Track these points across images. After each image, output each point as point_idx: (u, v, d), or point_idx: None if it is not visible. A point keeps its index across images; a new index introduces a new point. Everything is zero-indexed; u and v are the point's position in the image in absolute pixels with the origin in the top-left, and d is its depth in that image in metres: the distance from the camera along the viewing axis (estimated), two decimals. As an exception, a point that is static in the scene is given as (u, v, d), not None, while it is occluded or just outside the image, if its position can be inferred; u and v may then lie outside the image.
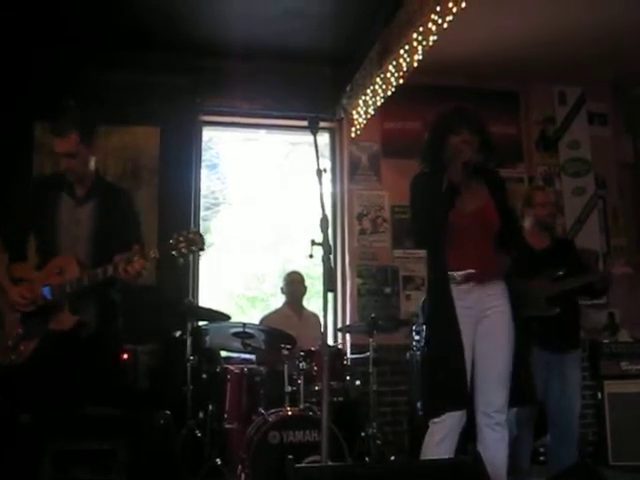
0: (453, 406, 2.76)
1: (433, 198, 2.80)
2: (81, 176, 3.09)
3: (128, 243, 2.97)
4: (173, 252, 2.82)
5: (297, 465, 2.21)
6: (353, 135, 5.75)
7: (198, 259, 5.69)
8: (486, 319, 2.86)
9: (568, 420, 3.83)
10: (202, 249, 2.89)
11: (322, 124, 5.71)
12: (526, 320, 3.71)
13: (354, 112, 5.60)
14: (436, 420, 2.77)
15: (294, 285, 5.05)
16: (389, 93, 5.03)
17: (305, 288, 5.10)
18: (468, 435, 2.82)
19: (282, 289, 5.12)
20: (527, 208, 4.07)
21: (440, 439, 2.76)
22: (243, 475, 3.56)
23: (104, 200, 3.13)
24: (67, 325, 2.95)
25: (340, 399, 4.16)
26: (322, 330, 2.54)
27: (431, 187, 2.84)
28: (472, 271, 2.84)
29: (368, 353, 4.51)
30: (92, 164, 3.14)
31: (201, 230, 5.80)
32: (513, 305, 2.89)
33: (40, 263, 3.06)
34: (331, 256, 2.41)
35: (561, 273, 3.75)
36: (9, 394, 2.92)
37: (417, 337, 4.95)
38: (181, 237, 2.81)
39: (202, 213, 5.99)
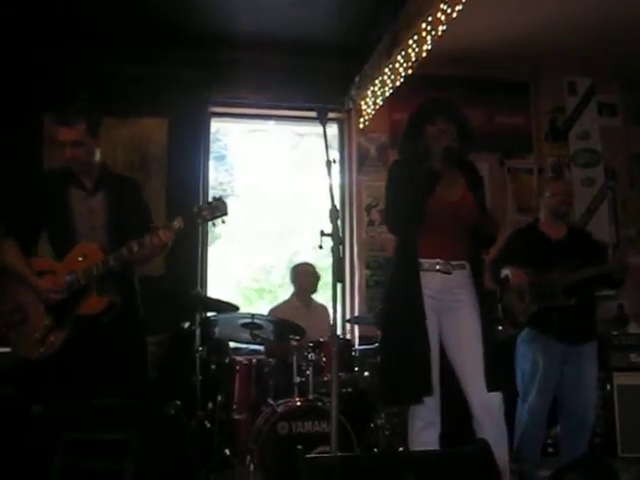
0: (416, 396, 2.76)
1: (408, 185, 2.81)
2: (86, 166, 3.10)
3: (144, 229, 2.99)
4: (198, 220, 2.86)
5: (306, 456, 2.22)
6: (361, 126, 5.73)
7: (206, 251, 5.71)
8: (450, 314, 2.86)
9: (584, 413, 3.80)
10: (226, 214, 2.91)
11: (330, 115, 5.69)
12: (542, 311, 3.74)
13: (363, 103, 5.59)
14: (409, 414, 2.81)
15: (303, 277, 5.04)
16: (398, 84, 5.01)
17: (317, 280, 5.06)
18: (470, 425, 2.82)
19: (291, 279, 5.12)
20: (541, 198, 4.11)
21: (422, 426, 2.79)
22: (252, 465, 3.56)
23: (113, 190, 3.14)
24: (97, 307, 2.96)
25: (349, 390, 4.16)
26: (331, 321, 2.54)
27: (407, 174, 2.86)
28: (440, 260, 2.84)
29: (376, 344, 4.51)
30: (97, 156, 3.14)
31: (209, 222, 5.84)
32: (480, 297, 2.88)
33: (57, 255, 3.06)
34: (340, 247, 2.41)
35: (577, 263, 3.73)
36: (25, 386, 2.94)
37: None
38: (204, 205, 2.87)
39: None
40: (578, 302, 3.73)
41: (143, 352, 3.22)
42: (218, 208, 2.88)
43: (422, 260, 2.85)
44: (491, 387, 2.73)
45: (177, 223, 2.90)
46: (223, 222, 2.91)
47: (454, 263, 2.87)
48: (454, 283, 2.87)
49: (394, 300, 2.91)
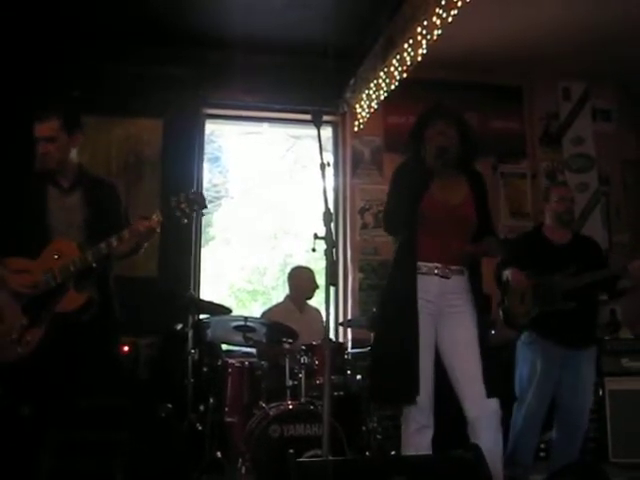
0: (403, 400, 2.77)
1: (405, 186, 2.83)
2: (60, 164, 3.06)
3: (122, 226, 2.96)
4: (177, 213, 2.86)
5: (298, 459, 2.21)
6: (356, 129, 5.73)
7: (199, 252, 5.70)
8: (446, 319, 2.85)
9: (577, 417, 3.81)
10: (204, 207, 2.92)
11: (325, 118, 5.66)
12: (543, 315, 3.75)
13: (357, 106, 5.59)
14: (402, 415, 2.81)
15: (301, 281, 5.02)
16: (393, 87, 5.01)
17: (314, 286, 4.98)
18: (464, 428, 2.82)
19: (288, 281, 5.11)
20: (545, 204, 4.10)
21: (415, 429, 2.79)
22: (244, 468, 3.55)
23: (90, 190, 3.11)
24: (75, 305, 2.92)
25: (341, 393, 4.15)
26: (324, 324, 2.53)
27: (406, 176, 2.88)
28: (439, 265, 2.84)
29: (369, 348, 4.51)
30: (74, 155, 3.12)
31: (203, 224, 5.84)
32: (478, 303, 2.88)
33: (30, 255, 3.00)
34: (333, 250, 2.40)
35: (578, 268, 3.74)
36: (13, 385, 2.91)
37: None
38: (182, 198, 2.86)
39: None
40: (579, 307, 3.73)
41: (119, 351, 3.19)
42: (196, 201, 2.88)
43: (421, 263, 2.85)
44: (490, 393, 2.74)
45: (155, 216, 2.89)
46: (202, 215, 2.91)
47: (453, 268, 2.87)
48: (452, 288, 2.87)
49: (389, 302, 2.92)
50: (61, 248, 2.96)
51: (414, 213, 2.80)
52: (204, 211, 2.95)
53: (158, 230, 2.96)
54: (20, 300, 2.96)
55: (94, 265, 2.93)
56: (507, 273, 3.84)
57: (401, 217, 2.85)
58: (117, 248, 2.93)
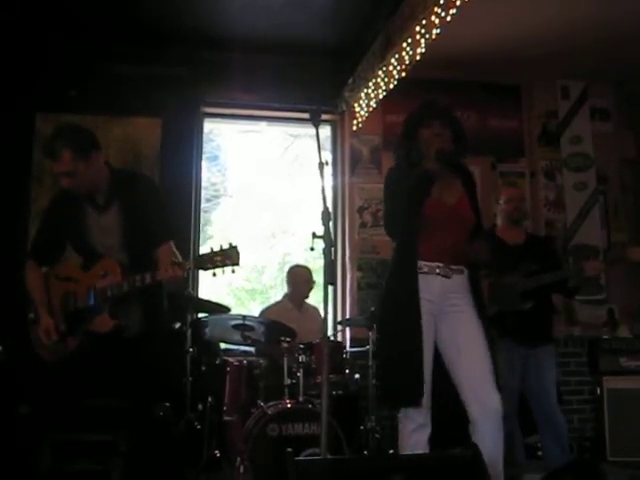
0: (409, 403, 2.78)
1: (406, 189, 2.80)
2: (90, 189, 3.04)
3: (159, 239, 3.00)
4: (208, 265, 2.79)
5: (296, 458, 2.22)
6: (354, 128, 5.73)
7: (198, 251, 5.69)
8: (448, 318, 2.85)
9: (550, 416, 3.93)
10: (237, 264, 2.80)
11: (324, 117, 5.69)
12: (500, 314, 3.81)
13: (356, 105, 5.58)
14: (400, 414, 2.83)
15: (297, 282, 5.03)
16: (391, 86, 5.00)
17: (311, 286, 5.04)
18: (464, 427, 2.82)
19: (286, 280, 5.11)
20: (496, 204, 4.31)
21: (413, 429, 2.80)
22: (242, 467, 3.56)
23: (126, 199, 3.06)
24: (105, 328, 2.95)
25: (339, 392, 4.17)
26: (322, 323, 2.53)
27: (404, 179, 2.85)
28: (440, 264, 2.84)
29: (367, 346, 4.52)
30: (99, 166, 3.05)
31: (201, 222, 5.82)
32: (479, 301, 2.88)
33: (83, 264, 3.07)
34: (332, 249, 2.40)
35: (534, 268, 3.86)
36: (25, 384, 2.95)
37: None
38: (218, 251, 2.79)
39: (202, 205, 5.97)
40: (535, 306, 3.86)
41: (164, 365, 3.22)
42: (231, 257, 2.78)
43: (422, 263, 2.84)
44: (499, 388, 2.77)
45: (188, 264, 2.86)
46: (233, 272, 2.84)
47: (454, 267, 2.87)
48: (453, 287, 2.87)
49: (391, 303, 2.90)
50: (108, 267, 2.98)
51: (417, 217, 2.79)
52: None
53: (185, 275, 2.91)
54: (66, 307, 3.05)
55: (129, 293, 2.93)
56: None
57: (403, 221, 2.83)
58: (151, 284, 2.90)
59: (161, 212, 3.12)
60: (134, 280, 2.88)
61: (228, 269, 2.80)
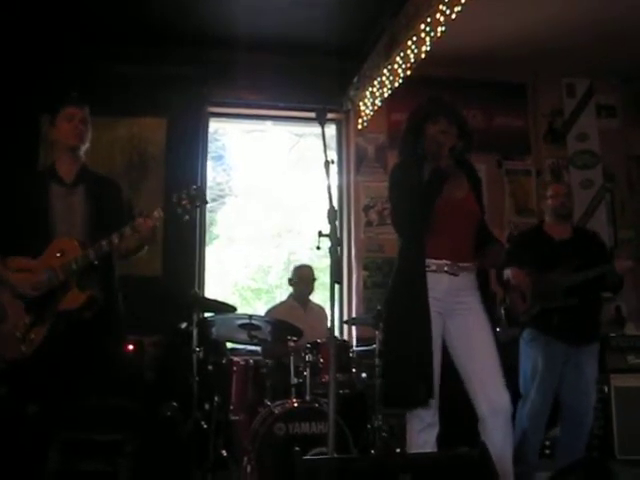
0: (418, 404, 2.75)
1: (414, 187, 2.78)
2: (76, 151, 3.12)
3: (125, 224, 2.95)
4: (178, 210, 2.90)
5: (303, 457, 2.21)
6: (360, 127, 5.73)
7: (204, 251, 5.70)
8: (456, 317, 2.83)
9: (581, 415, 3.81)
10: (205, 202, 3.04)
11: (329, 116, 5.69)
12: (545, 312, 3.75)
13: (361, 104, 5.58)
14: (408, 415, 2.80)
15: (302, 281, 5.03)
16: (396, 85, 5.00)
17: (313, 284, 5.04)
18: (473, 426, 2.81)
19: (290, 280, 5.11)
20: (543, 201, 4.21)
21: (421, 428, 2.77)
22: (249, 467, 3.56)
23: (93, 187, 3.13)
24: (77, 303, 2.92)
25: (346, 391, 4.15)
26: (328, 322, 2.53)
27: (411, 176, 2.83)
28: (448, 262, 2.81)
29: (374, 345, 4.51)
30: (82, 151, 3.17)
31: (207, 222, 5.83)
32: (486, 299, 2.87)
33: (34, 254, 3.00)
34: (338, 248, 2.40)
35: (578, 263, 3.75)
36: (17, 385, 2.92)
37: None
38: (183, 195, 2.91)
39: (208, 204, 5.98)
40: (581, 303, 3.73)
41: (122, 350, 3.21)
42: (197, 197, 2.93)
43: (429, 261, 2.81)
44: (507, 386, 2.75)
45: (157, 213, 2.91)
46: (199, 208, 2.95)
47: (462, 265, 2.84)
48: (461, 285, 2.84)
49: (398, 302, 2.87)
50: (63, 246, 2.95)
51: (428, 214, 2.76)
52: (206, 206, 2.99)
53: (158, 225, 2.97)
54: (23, 298, 2.96)
55: (96, 263, 2.93)
56: (507, 272, 3.85)
57: (414, 219, 2.80)
58: (119, 246, 2.94)
59: (122, 210, 3.17)
60: (100, 246, 2.88)
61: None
